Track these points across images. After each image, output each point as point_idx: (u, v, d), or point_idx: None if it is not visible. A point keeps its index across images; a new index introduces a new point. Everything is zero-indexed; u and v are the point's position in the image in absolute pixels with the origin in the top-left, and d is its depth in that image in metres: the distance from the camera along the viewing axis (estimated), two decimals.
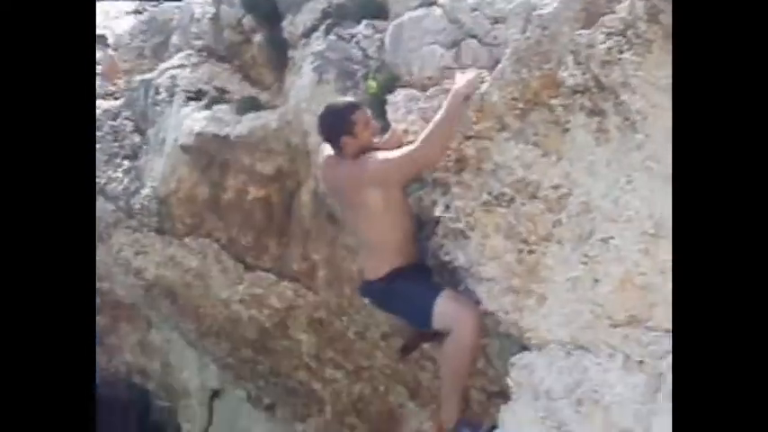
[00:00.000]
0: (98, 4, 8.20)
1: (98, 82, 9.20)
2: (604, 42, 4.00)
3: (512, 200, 4.62)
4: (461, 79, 4.76)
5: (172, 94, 7.82)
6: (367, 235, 5.27)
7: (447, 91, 4.86)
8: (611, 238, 4.14)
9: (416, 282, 5.21)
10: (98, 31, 8.81)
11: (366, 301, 5.70)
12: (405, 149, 4.89)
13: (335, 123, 5.07)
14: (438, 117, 4.71)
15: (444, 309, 4.89)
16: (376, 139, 5.17)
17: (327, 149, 5.32)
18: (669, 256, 3.83)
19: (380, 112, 5.32)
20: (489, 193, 4.72)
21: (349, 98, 5.47)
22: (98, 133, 8.53)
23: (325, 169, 5.48)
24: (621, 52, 3.94)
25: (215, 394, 8.52)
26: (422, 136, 4.76)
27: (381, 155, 4.96)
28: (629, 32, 3.90)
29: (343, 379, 7.10)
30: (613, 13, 4.02)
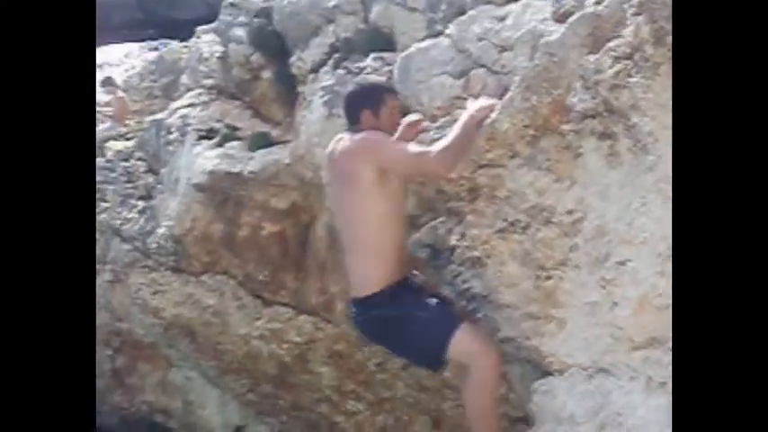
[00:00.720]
0: (107, 47, 8.28)
1: (109, 124, 9.31)
2: (612, 66, 4.01)
3: (527, 226, 4.62)
4: (476, 105, 4.61)
5: (183, 134, 7.90)
6: (360, 228, 4.76)
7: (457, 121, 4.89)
8: (628, 260, 4.13)
9: (423, 307, 4.76)
10: (106, 73, 8.93)
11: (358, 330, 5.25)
12: (422, 149, 4.57)
13: (363, 95, 4.89)
14: (453, 136, 4.46)
15: (463, 346, 4.60)
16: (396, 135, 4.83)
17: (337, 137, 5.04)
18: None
19: None
20: (504, 220, 4.73)
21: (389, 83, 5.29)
22: (111, 174, 8.69)
23: (333, 145, 4.94)
24: (630, 76, 3.95)
25: (238, 431, 8.51)
26: (439, 147, 4.44)
27: (397, 140, 4.73)
28: (637, 56, 3.92)
29: (366, 411, 7.10)
30: (620, 37, 4.04)
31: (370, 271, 4.72)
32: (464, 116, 4.57)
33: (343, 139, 4.77)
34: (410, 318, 4.69)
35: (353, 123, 4.83)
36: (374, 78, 5.25)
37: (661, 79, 3.80)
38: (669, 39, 3.72)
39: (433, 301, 4.83)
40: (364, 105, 4.75)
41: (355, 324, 5.15)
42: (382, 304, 4.67)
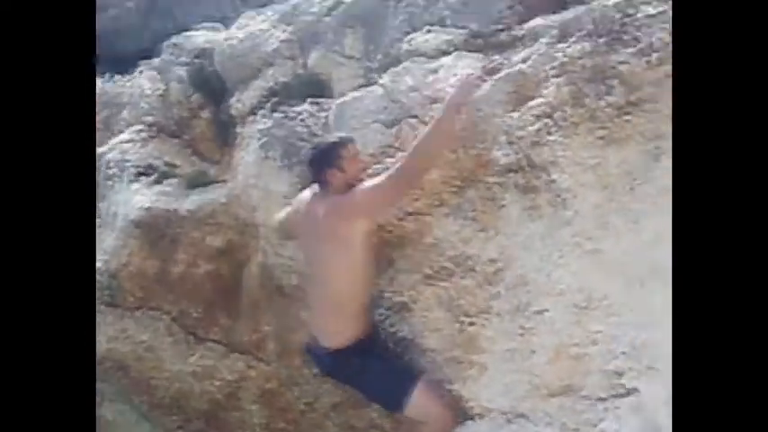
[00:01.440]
0: None
1: None
2: (533, 124, 4.15)
3: (452, 274, 4.73)
4: (455, 88, 4.61)
5: (122, 169, 7.82)
6: (337, 285, 4.87)
7: (387, 169, 4.97)
8: (546, 310, 4.27)
9: (387, 363, 5.10)
10: None
11: (316, 371, 5.65)
12: (389, 171, 4.67)
13: (323, 157, 4.96)
14: (429, 127, 4.54)
15: (421, 401, 4.81)
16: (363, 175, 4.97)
17: (306, 194, 5.29)
18: (601, 327, 4.00)
19: None
20: (430, 268, 4.84)
21: (342, 135, 5.22)
22: None
23: (307, 206, 5.17)
24: (549, 134, 4.10)
25: None
26: (410, 147, 4.60)
27: (370, 182, 4.76)
28: (556, 115, 4.06)
29: None
30: (541, 97, 4.18)
31: (343, 326, 4.97)
32: (444, 103, 4.63)
33: (329, 202, 4.91)
34: (374, 373, 5.00)
35: (324, 186, 5.01)
36: (326, 139, 5.23)
37: (579, 138, 3.95)
38: (587, 100, 3.89)
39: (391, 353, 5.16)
40: (328, 166, 4.90)
41: (322, 367, 5.44)
42: (353, 356, 4.96)
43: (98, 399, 8.73)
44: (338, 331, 4.97)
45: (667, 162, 3.61)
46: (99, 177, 8.19)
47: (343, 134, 5.21)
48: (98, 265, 7.72)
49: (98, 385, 8.51)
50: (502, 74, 4.39)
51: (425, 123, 4.99)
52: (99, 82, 10.39)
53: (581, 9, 4.25)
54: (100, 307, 7.87)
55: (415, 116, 5.05)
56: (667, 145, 3.61)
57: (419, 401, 4.80)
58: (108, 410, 8.63)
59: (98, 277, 7.73)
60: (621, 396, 3.90)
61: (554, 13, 4.45)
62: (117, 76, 10.37)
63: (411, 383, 4.84)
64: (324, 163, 4.93)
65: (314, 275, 5.21)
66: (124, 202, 7.56)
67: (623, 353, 3.87)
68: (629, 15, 3.74)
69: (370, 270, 4.89)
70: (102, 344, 7.99)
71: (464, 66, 4.82)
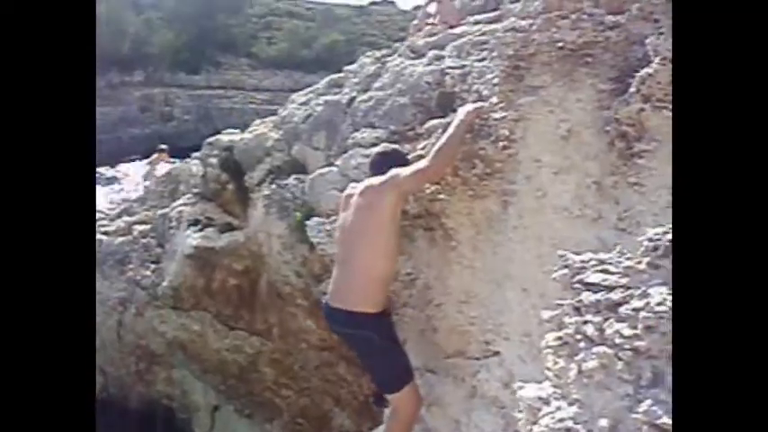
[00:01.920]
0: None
1: (130, 218, 9.23)
2: (430, 188, 4.08)
3: None
4: (465, 109, 3.81)
5: (179, 222, 7.85)
6: (365, 251, 3.78)
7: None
8: (442, 304, 4.19)
9: (395, 349, 3.88)
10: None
11: (336, 327, 4.02)
12: (417, 165, 3.75)
13: (391, 156, 4.08)
14: (446, 138, 3.67)
15: (407, 396, 3.82)
16: None
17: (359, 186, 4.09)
18: (475, 314, 3.93)
19: (302, 234, 5.36)
20: None
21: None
22: (135, 246, 8.58)
23: (352, 190, 4.14)
24: (440, 193, 4.03)
25: (215, 409, 8.31)
26: (432, 153, 3.68)
27: (400, 170, 3.80)
28: (443, 181, 4.00)
29: (293, 396, 7.02)
30: None
31: (365, 291, 3.75)
32: (456, 119, 3.77)
33: (367, 182, 3.96)
34: (384, 354, 3.82)
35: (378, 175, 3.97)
36: (394, 147, 4.34)
37: (457, 195, 3.89)
38: (461, 172, 3.83)
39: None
40: (393, 164, 3.92)
41: (337, 326, 3.98)
42: (370, 325, 3.74)
43: (169, 367, 8.68)
44: (361, 295, 3.75)
45: (513, 210, 3.56)
46: (163, 228, 8.18)
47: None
48: (165, 283, 7.69)
49: (168, 359, 8.46)
50: (409, 157, 4.35)
51: None
52: (168, 166, 10.37)
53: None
54: (167, 310, 7.84)
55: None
56: (514, 199, 3.56)
57: (406, 396, 3.81)
58: (177, 374, 8.54)
59: (165, 291, 7.69)
60: (489, 356, 3.81)
61: (441, 117, 4.43)
62: (177, 162, 10.39)
63: (408, 377, 3.84)
64: (389, 161, 4.00)
65: (348, 244, 3.93)
66: (181, 242, 7.55)
67: (489, 330, 3.78)
68: (485, 119, 3.69)
69: (394, 241, 3.81)
70: (169, 333, 7.94)
71: None
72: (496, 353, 3.75)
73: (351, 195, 4.04)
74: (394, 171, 3.77)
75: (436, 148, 3.67)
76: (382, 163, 4.04)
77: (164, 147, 14.28)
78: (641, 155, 2.88)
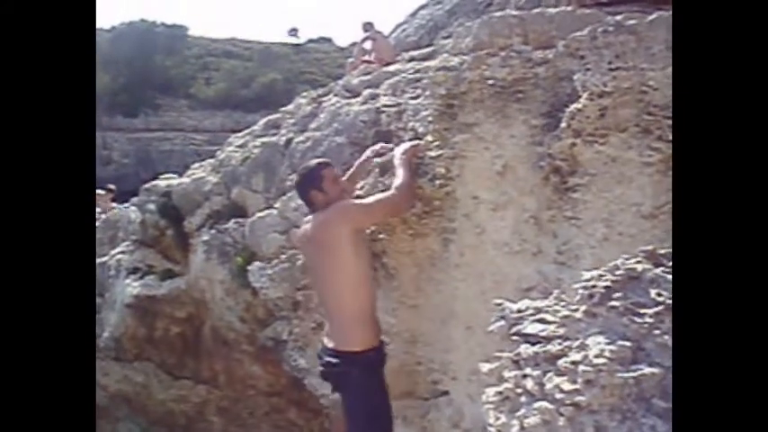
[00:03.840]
0: None
1: None
2: (370, 228, 4.04)
3: None
4: (402, 148, 3.70)
5: (118, 270, 7.65)
6: (340, 291, 3.41)
7: (288, 260, 4.84)
8: (388, 343, 4.15)
9: (380, 395, 3.42)
10: None
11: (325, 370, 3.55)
12: (379, 196, 3.53)
13: (305, 180, 3.62)
14: (404, 173, 3.48)
15: None
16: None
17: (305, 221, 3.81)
18: (422, 354, 3.86)
19: (245, 278, 5.24)
20: (314, 322, 4.69)
21: (322, 159, 3.99)
22: None
23: (303, 228, 3.78)
24: (380, 233, 3.99)
25: None
26: (397, 185, 3.45)
27: (355, 201, 3.65)
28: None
29: None
30: None
31: (352, 331, 3.40)
32: (399, 159, 3.61)
33: (315, 218, 3.57)
34: (374, 401, 3.40)
35: (310, 206, 3.65)
36: (305, 165, 3.82)
37: (397, 235, 3.85)
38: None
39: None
40: (311, 187, 3.57)
41: (324, 368, 3.55)
42: (354, 363, 3.37)
43: (114, 420, 8.38)
44: (342, 335, 3.41)
45: (454, 247, 3.54)
46: (103, 277, 7.95)
47: (323, 159, 3.97)
48: (106, 334, 7.46)
49: (113, 411, 8.16)
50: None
51: None
52: (109, 209, 10.12)
53: None
54: (109, 362, 7.58)
55: (298, 226, 4.93)
56: (454, 236, 3.54)
57: None
58: (120, 429, 8.25)
59: (107, 342, 7.46)
60: (438, 396, 3.75)
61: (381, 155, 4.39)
62: (116, 207, 10.17)
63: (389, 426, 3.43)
64: (307, 184, 3.61)
65: (317, 286, 3.73)
66: (120, 291, 7.34)
67: (436, 369, 3.73)
68: (421, 158, 3.66)
69: (362, 276, 3.44)
70: (112, 385, 7.69)
71: None
72: (445, 392, 3.69)
73: (305, 235, 3.66)
74: (340, 204, 3.47)
75: (399, 182, 3.47)
76: (302, 193, 3.72)
77: (111, 187, 13.38)
78: (575, 189, 2.90)
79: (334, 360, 3.43)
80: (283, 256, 4.84)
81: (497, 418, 1.46)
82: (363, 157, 4.23)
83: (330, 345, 3.48)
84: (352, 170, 4.20)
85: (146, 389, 7.40)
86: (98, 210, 9.99)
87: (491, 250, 3.31)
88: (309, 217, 3.70)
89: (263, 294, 5.01)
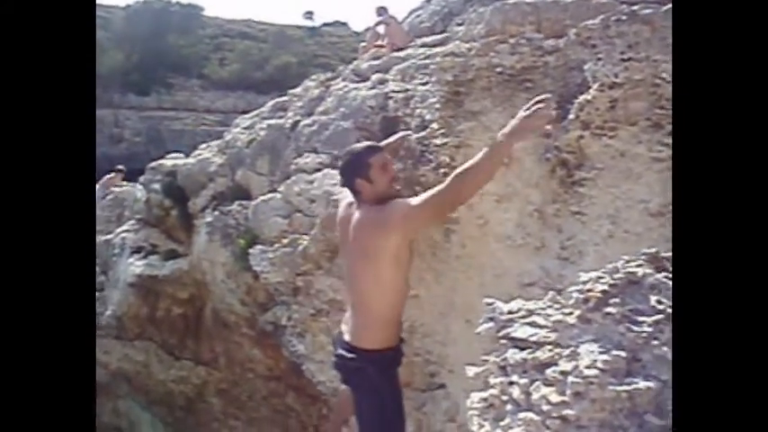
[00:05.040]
0: None
1: None
2: None
3: (328, 312, 4.53)
4: (522, 120, 2.60)
5: (122, 249, 7.62)
6: (371, 297, 3.01)
7: (290, 244, 4.77)
8: None
9: (395, 393, 3.13)
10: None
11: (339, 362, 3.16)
12: (433, 191, 2.78)
13: (350, 168, 3.07)
14: (480, 157, 2.66)
15: None
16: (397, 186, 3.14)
17: (347, 197, 3.24)
18: (420, 345, 3.79)
19: (246, 261, 5.18)
20: (314, 308, 4.63)
21: (370, 142, 3.35)
22: None
23: (343, 212, 3.23)
24: None
25: None
26: (455, 173, 2.71)
27: (409, 201, 2.88)
28: None
29: (242, 426, 6.79)
30: None
31: (369, 329, 3.05)
32: (506, 136, 2.62)
33: (362, 214, 3.01)
34: (385, 401, 3.09)
35: (354, 194, 3.10)
36: (353, 147, 3.22)
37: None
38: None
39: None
40: (356, 175, 3.03)
41: (339, 362, 3.18)
42: (368, 360, 3.04)
43: (114, 398, 8.39)
44: (362, 332, 3.05)
45: (456, 238, 3.46)
46: (107, 255, 7.92)
47: (372, 142, 3.33)
48: (108, 312, 7.44)
49: (113, 389, 8.17)
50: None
51: (308, 216, 4.81)
52: (117, 189, 10.08)
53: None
54: (110, 340, 7.56)
55: (301, 211, 4.87)
56: (456, 227, 3.45)
57: None
58: (121, 406, 8.25)
59: (109, 320, 7.44)
60: (435, 389, 3.69)
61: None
62: (125, 186, 10.15)
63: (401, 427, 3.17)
64: (353, 172, 3.06)
65: (346, 275, 3.27)
66: (123, 270, 7.32)
67: (434, 362, 3.66)
68: (426, 145, 3.58)
69: (398, 283, 3.00)
70: (113, 363, 7.67)
71: (329, 178, 4.67)
72: (442, 385, 3.62)
73: (344, 226, 3.15)
74: (399, 206, 2.86)
75: (461, 169, 2.72)
76: (346, 180, 3.13)
77: (120, 167, 13.49)
78: (582, 183, 2.81)
79: (348, 354, 3.08)
80: (285, 241, 4.78)
81: (481, 426, 1.38)
82: (396, 137, 3.67)
83: (347, 338, 3.12)
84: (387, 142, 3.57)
85: (146, 368, 7.38)
86: (108, 191, 9.99)
87: (493, 243, 3.22)
88: (350, 200, 3.18)
89: (263, 278, 4.96)
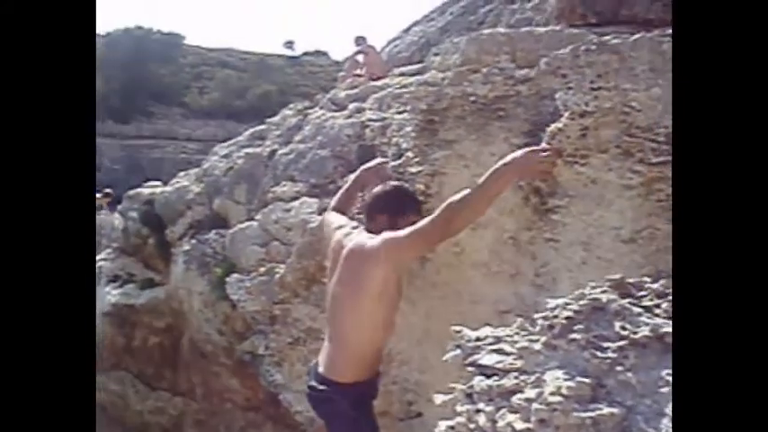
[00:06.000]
0: None
1: None
2: None
3: (305, 341, 4.51)
4: (526, 156, 2.62)
5: (99, 278, 7.54)
6: (352, 330, 2.83)
7: (267, 273, 4.75)
8: None
9: (374, 428, 2.97)
10: None
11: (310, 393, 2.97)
12: (423, 221, 2.62)
13: (390, 201, 2.89)
14: (471, 190, 2.57)
15: None
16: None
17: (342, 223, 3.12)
18: (397, 373, 3.77)
19: (222, 291, 5.15)
20: (291, 337, 4.60)
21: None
22: None
23: (336, 238, 3.03)
24: None
25: None
26: (448, 202, 2.55)
27: (396, 232, 2.69)
28: None
29: None
30: None
31: (348, 365, 2.85)
32: (502, 166, 2.60)
33: (358, 240, 2.84)
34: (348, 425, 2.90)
35: (369, 221, 2.93)
36: (409, 189, 3.13)
37: None
38: None
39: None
40: (386, 210, 2.87)
41: (312, 394, 2.97)
42: (339, 394, 2.85)
43: None
44: (337, 365, 2.86)
45: (431, 266, 3.46)
46: None
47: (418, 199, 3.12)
48: None
49: None
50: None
51: (285, 245, 4.81)
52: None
53: None
54: None
55: (278, 239, 4.87)
56: (432, 255, 3.46)
57: None
58: None
59: None
60: (413, 417, 3.66)
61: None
62: (103, 212, 10.05)
63: None
64: (386, 206, 2.89)
65: (329, 310, 3.03)
66: (100, 299, 7.22)
67: (411, 390, 3.65)
68: (401, 173, 3.59)
69: (379, 320, 2.82)
70: None
71: (305, 207, 4.67)
72: (419, 414, 3.60)
73: (339, 246, 2.97)
74: (388, 236, 2.70)
75: (455, 198, 2.57)
76: (375, 205, 2.96)
77: (109, 191, 13.11)
78: (555, 210, 2.83)
79: (319, 386, 2.91)
80: (262, 269, 4.76)
81: None
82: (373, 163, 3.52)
83: (320, 369, 2.93)
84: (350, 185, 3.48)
85: (122, 399, 7.27)
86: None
87: (469, 270, 3.23)
88: (346, 228, 3.06)
89: (240, 307, 4.93)
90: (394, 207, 2.88)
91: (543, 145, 2.69)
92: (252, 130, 6.71)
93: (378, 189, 3.01)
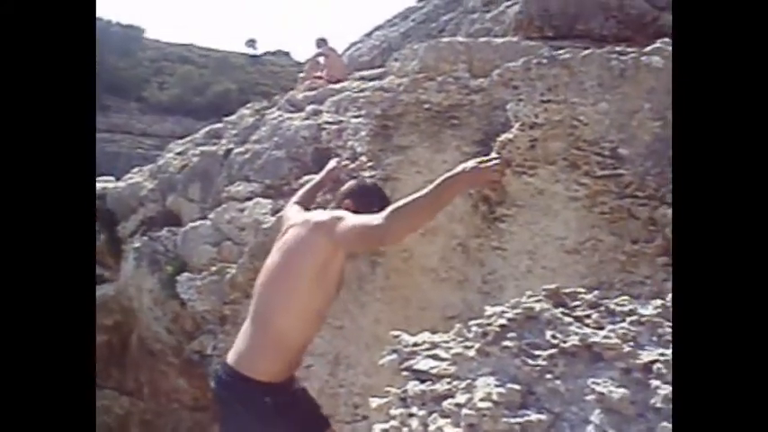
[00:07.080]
0: None
1: None
2: None
3: None
4: (474, 168, 2.46)
5: None
6: (285, 320, 2.53)
7: (218, 272, 4.72)
8: (312, 365, 4.06)
9: (301, 413, 2.69)
10: None
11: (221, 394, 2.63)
12: (367, 219, 2.45)
13: (378, 201, 2.71)
14: (419, 196, 2.39)
15: None
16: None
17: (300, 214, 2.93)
18: (346, 377, 3.79)
19: (173, 289, 5.10)
20: None
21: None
22: None
23: (294, 216, 2.94)
24: None
25: None
26: (393, 208, 2.38)
27: (356, 219, 2.50)
28: None
29: None
30: None
31: (264, 358, 2.54)
32: (449, 176, 2.45)
33: (310, 214, 2.78)
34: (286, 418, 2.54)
35: (337, 207, 2.85)
36: (381, 191, 2.96)
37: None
38: None
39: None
40: (351, 196, 2.81)
41: (223, 391, 2.62)
42: (267, 393, 2.50)
43: None
44: (257, 360, 2.53)
45: (381, 270, 3.49)
46: None
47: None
48: None
49: None
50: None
51: (237, 244, 4.78)
52: None
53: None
54: None
55: (230, 239, 4.84)
56: (382, 260, 3.49)
57: None
58: None
59: None
60: (358, 420, 3.68)
61: (316, 172, 4.33)
62: None
63: None
64: (359, 197, 2.79)
65: (259, 286, 2.75)
66: None
67: (358, 393, 3.66)
68: (355, 177, 3.61)
69: (317, 306, 2.58)
70: None
71: (259, 207, 4.66)
72: (365, 417, 3.62)
73: (289, 224, 2.86)
74: (340, 213, 2.61)
75: (397, 205, 2.41)
76: (372, 197, 2.85)
77: None
78: (503, 219, 2.88)
79: (225, 378, 2.60)
80: (213, 269, 4.73)
81: None
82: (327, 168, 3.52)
83: (229, 359, 2.63)
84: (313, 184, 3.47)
85: None
86: None
87: (418, 275, 3.27)
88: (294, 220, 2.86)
89: (190, 306, 4.88)
90: (363, 199, 2.77)
91: (492, 155, 2.70)
92: (208, 129, 6.67)
93: (356, 180, 2.99)
